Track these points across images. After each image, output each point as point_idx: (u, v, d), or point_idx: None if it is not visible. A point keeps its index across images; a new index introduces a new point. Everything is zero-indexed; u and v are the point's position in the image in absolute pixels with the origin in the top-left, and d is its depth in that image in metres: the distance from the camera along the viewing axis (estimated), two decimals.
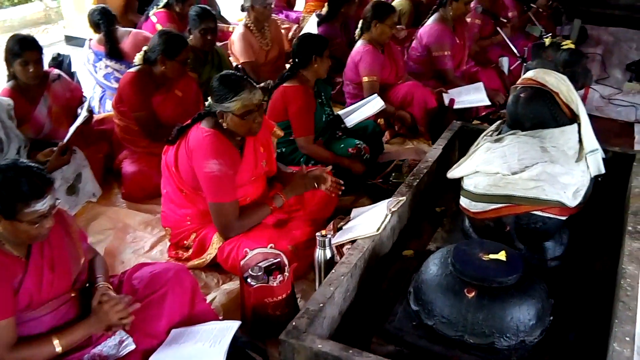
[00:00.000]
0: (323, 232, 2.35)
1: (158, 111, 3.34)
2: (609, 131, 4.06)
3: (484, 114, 4.09)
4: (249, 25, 4.29)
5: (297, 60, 3.30)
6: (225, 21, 5.84)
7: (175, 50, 3.22)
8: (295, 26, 5.84)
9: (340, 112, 3.57)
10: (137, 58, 3.32)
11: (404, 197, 2.65)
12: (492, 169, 2.42)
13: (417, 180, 2.84)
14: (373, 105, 3.42)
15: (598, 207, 2.66)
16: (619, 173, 2.95)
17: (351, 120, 3.41)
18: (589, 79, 2.89)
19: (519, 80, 2.70)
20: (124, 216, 3.18)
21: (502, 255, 2.03)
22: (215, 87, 2.47)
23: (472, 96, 3.85)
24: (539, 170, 2.36)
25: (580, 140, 2.57)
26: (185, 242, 2.73)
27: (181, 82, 3.41)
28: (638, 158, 2.98)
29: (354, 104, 3.94)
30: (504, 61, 4.48)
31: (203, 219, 2.63)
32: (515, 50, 4.25)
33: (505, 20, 4.49)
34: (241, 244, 2.50)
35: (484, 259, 2.03)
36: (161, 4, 4.66)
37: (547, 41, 2.77)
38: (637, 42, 6.14)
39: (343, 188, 2.76)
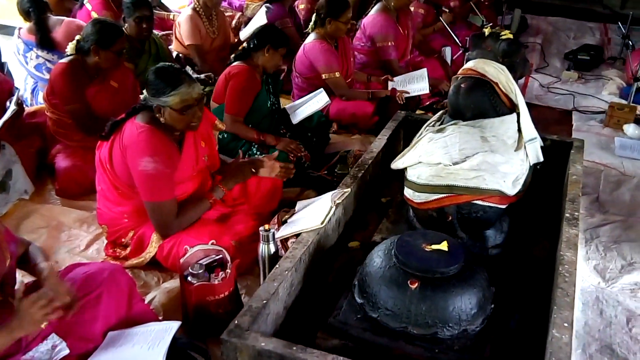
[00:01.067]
0: (266, 226, 2.30)
1: (92, 103, 3.20)
2: (549, 119, 4.16)
3: (427, 103, 4.11)
4: (197, 9, 4.18)
5: (251, 44, 3.23)
6: (165, 8, 5.68)
7: (109, 40, 3.09)
8: (239, 14, 5.73)
9: (287, 106, 3.51)
10: (70, 48, 3.17)
11: (349, 189, 2.62)
12: (434, 159, 2.42)
13: (362, 172, 2.82)
14: (318, 100, 3.38)
15: (537, 194, 2.72)
16: (557, 160, 3.01)
17: (297, 116, 3.36)
18: (527, 68, 2.93)
19: (460, 71, 2.71)
20: (58, 214, 3.04)
21: (444, 246, 2.03)
22: (152, 81, 2.36)
23: (414, 85, 3.85)
24: (480, 159, 2.38)
25: (519, 130, 2.61)
26: (122, 240, 2.63)
27: (117, 73, 3.28)
28: (576, 146, 3.05)
29: (302, 97, 3.91)
30: (447, 51, 4.52)
31: (141, 216, 2.53)
32: (457, 40, 4.29)
33: (447, 10, 4.51)
34: (181, 241, 2.42)
35: (426, 249, 2.03)
36: None
37: (487, 31, 2.79)
38: (575, 32, 6.31)
39: (294, 169, 2.71)
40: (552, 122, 4.10)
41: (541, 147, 2.65)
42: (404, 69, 4.28)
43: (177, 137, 2.50)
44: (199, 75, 3.89)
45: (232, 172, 2.62)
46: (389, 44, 4.15)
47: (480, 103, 2.56)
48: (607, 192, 3.21)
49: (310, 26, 3.86)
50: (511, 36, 2.75)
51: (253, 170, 2.62)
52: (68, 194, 3.19)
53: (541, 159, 2.64)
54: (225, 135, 3.22)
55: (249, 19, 4.76)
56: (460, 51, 4.33)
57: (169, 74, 2.34)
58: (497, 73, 2.58)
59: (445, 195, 2.37)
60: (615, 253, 2.68)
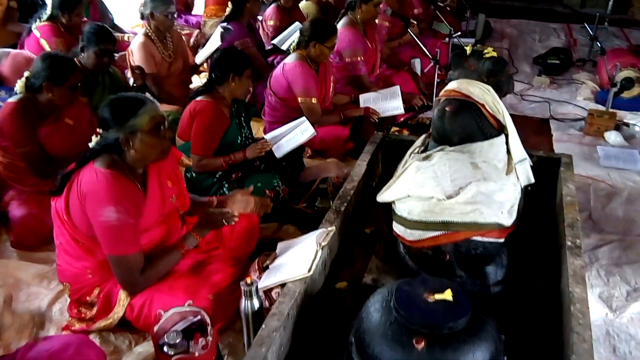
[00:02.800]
0: (248, 279, 2.08)
1: (47, 144, 2.92)
2: (527, 129, 4.03)
3: (402, 119, 3.95)
4: (149, 34, 3.90)
5: (213, 75, 3.01)
6: (119, 29, 5.38)
7: (63, 76, 2.83)
8: (196, 31, 5.49)
9: (267, 137, 3.29)
10: (18, 86, 2.89)
11: (333, 227, 2.43)
12: (425, 192, 2.25)
13: (345, 204, 2.63)
14: (302, 131, 3.17)
15: (529, 217, 2.57)
16: (545, 178, 2.88)
17: (280, 150, 3.14)
18: (512, 86, 2.79)
19: (442, 92, 2.55)
20: (15, 269, 2.75)
21: (448, 295, 1.85)
22: (111, 111, 2.11)
23: (387, 103, 3.68)
24: (474, 191, 2.22)
25: (508, 151, 2.47)
26: (87, 298, 2.37)
27: (71, 109, 3.01)
28: (564, 162, 2.93)
29: (274, 120, 3.69)
30: (416, 62, 4.37)
31: (106, 270, 2.27)
32: (426, 51, 4.15)
33: (414, 22, 4.37)
34: (153, 299, 2.19)
35: (429, 300, 1.84)
36: (45, 17, 4.16)
37: (468, 50, 2.63)
38: (539, 34, 6.27)
39: (271, 205, 2.51)
40: (531, 133, 3.99)
41: (530, 167, 2.53)
42: (375, 83, 4.11)
43: (141, 178, 2.26)
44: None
45: (206, 218, 2.39)
46: (359, 59, 3.98)
47: (467, 127, 2.41)
48: (599, 209, 3.09)
49: (291, 46, 3.64)
50: (495, 54, 2.60)
51: (224, 221, 2.36)
52: (25, 246, 2.91)
53: (532, 180, 2.51)
54: (194, 174, 2.99)
55: (208, 37, 4.51)
56: (431, 63, 4.19)
57: (127, 98, 2.15)
58: (483, 94, 2.44)
59: (441, 232, 2.20)
60: (618, 278, 2.56)
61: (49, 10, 4.15)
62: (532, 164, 2.57)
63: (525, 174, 2.50)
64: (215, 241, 2.55)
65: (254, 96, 4.19)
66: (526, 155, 2.54)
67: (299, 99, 3.56)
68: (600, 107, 4.20)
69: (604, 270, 2.63)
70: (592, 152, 3.70)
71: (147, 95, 3.84)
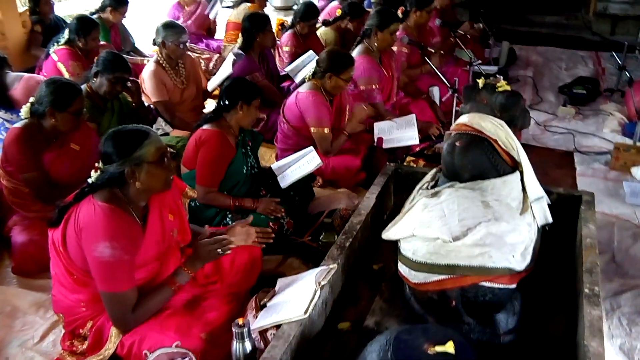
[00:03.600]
0: (240, 320, 1.99)
1: (51, 170, 2.90)
2: (549, 162, 3.89)
3: (418, 149, 3.84)
4: (161, 61, 3.89)
5: (221, 102, 2.95)
6: (140, 53, 5.43)
7: (65, 101, 2.81)
8: (216, 56, 5.50)
9: (274, 166, 3.22)
10: (24, 111, 2.88)
11: (335, 265, 2.31)
12: (431, 233, 2.12)
13: (350, 240, 2.52)
14: (309, 160, 3.08)
15: (546, 258, 2.43)
16: (565, 216, 2.73)
17: (285, 180, 3.06)
18: (528, 120, 2.66)
19: (453, 126, 2.44)
20: (13, 296, 2.71)
21: (450, 347, 1.72)
22: (114, 144, 2.07)
23: (402, 133, 3.57)
24: (484, 232, 2.09)
25: (523, 189, 2.34)
26: (81, 330, 2.29)
27: (77, 135, 2.98)
28: (585, 200, 2.77)
29: (286, 147, 3.62)
30: (435, 91, 4.26)
31: (100, 304, 2.20)
32: (444, 79, 4.04)
33: (432, 51, 4.26)
34: (144, 337, 2.10)
35: (429, 352, 1.71)
36: (62, 40, 4.21)
37: (481, 83, 2.52)
38: (566, 62, 6.10)
39: (273, 235, 2.41)
40: (553, 166, 3.83)
41: (548, 205, 2.38)
42: (391, 112, 4.01)
43: (141, 212, 2.20)
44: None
45: (199, 252, 2.29)
46: (374, 87, 3.89)
47: (478, 163, 2.30)
48: (622, 250, 2.91)
49: (307, 76, 3.57)
50: (508, 87, 2.48)
51: (219, 251, 2.27)
52: (25, 272, 2.87)
53: (550, 219, 2.37)
54: (198, 203, 2.92)
55: None
56: (450, 92, 4.07)
57: (130, 130, 2.11)
58: (496, 129, 2.33)
59: (446, 276, 2.07)
60: None
61: (66, 35, 4.19)
62: (549, 202, 2.44)
63: (542, 213, 2.36)
64: (215, 274, 2.46)
65: (267, 123, 4.12)
66: (543, 194, 2.40)
67: (312, 129, 3.49)
68: (628, 141, 4.02)
69: (627, 319, 2.46)
70: (617, 188, 3.52)
71: (160, 121, 3.86)
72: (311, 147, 3.23)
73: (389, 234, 2.35)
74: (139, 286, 2.17)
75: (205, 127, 2.95)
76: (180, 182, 2.51)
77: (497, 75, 4.41)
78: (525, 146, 4.00)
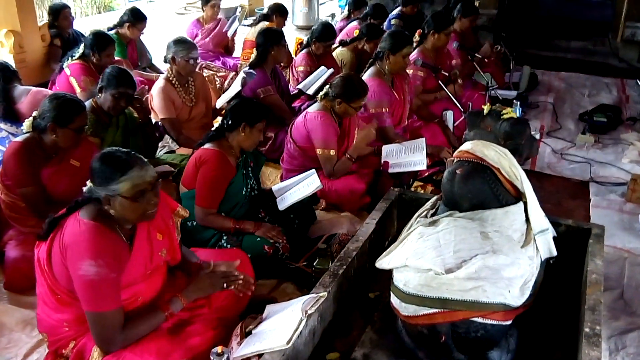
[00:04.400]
0: (219, 349, 1.91)
1: (49, 185, 2.87)
2: (563, 192, 3.75)
3: (426, 174, 3.73)
4: (170, 78, 3.88)
5: (225, 122, 2.91)
6: (156, 70, 5.46)
7: (67, 117, 2.79)
8: (232, 74, 5.49)
9: (274, 188, 3.15)
10: (26, 125, 2.87)
11: (325, 293, 2.23)
12: (423, 264, 2.03)
13: (344, 267, 2.44)
14: (309, 183, 3.01)
15: (550, 293, 2.31)
16: (573, 250, 2.61)
17: (284, 202, 2.99)
18: (536, 149, 2.55)
19: (455, 153, 2.35)
20: (1, 313, 2.67)
21: None
22: (97, 169, 2.05)
23: (410, 157, 3.48)
24: (479, 265, 1.99)
25: (527, 220, 2.24)
26: (63, 351, 2.24)
27: (78, 150, 2.95)
28: (595, 233, 2.65)
29: (292, 168, 3.56)
30: (448, 115, 4.16)
31: (83, 324, 2.15)
32: (457, 104, 3.95)
33: (447, 74, 4.18)
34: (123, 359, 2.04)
35: None
36: (76, 55, 4.23)
37: (486, 109, 2.42)
38: (589, 88, 5.93)
39: (253, 288, 2.34)
40: (567, 196, 3.69)
41: (554, 237, 2.27)
42: (401, 136, 3.92)
43: (129, 231, 2.16)
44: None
45: (199, 284, 2.26)
46: (383, 110, 3.81)
47: (479, 192, 2.21)
48: (632, 287, 2.76)
49: (319, 95, 3.52)
50: (514, 115, 2.39)
51: (225, 285, 2.25)
52: (16, 288, 2.83)
53: (554, 253, 2.26)
54: (195, 223, 2.86)
55: None
56: (463, 116, 3.98)
57: (117, 158, 2.04)
58: (499, 157, 2.23)
59: (437, 310, 1.97)
60: None
61: (81, 49, 4.21)
62: (555, 235, 2.32)
63: (546, 246, 2.26)
64: (203, 298, 2.39)
65: (274, 143, 4.07)
66: (548, 226, 2.29)
67: (317, 150, 3.42)
68: None
69: None
70: (632, 221, 3.35)
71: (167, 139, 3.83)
72: (313, 170, 3.15)
73: (382, 262, 2.26)
74: (127, 307, 2.12)
75: (206, 146, 2.90)
76: (171, 201, 2.46)
77: (515, 101, 4.35)
78: (540, 175, 3.94)
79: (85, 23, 6.81)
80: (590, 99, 5.62)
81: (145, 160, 2.11)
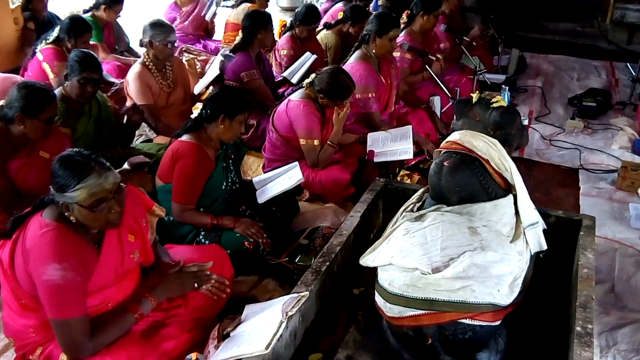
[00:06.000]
0: (193, 355, 1.82)
1: (17, 178, 2.73)
2: (552, 179, 3.66)
3: (413, 162, 3.63)
4: (147, 63, 3.72)
5: (203, 112, 2.77)
6: (134, 54, 5.28)
7: (37, 107, 2.64)
8: (213, 58, 5.30)
9: (255, 180, 3.03)
10: None
11: (306, 292, 2.13)
12: (409, 262, 1.94)
13: (327, 263, 2.34)
14: (291, 176, 2.89)
15: (540, 287, 2.23)
16: (564, 242, 2.53)
17: (263, 195, 2.87)
18: (525, 138, 2.45)
19: (443, 144, 2.25)
20: None
21: None
22: (54, 173, 1.91)
23: (396, 145, 3.36)
24: (467, 263, 1.90)
25: (517, 213, 2.15)
26: (30, 356, 2.13)
27: (48, 142, 2.80)
28: (585, 225, 2.56)
29: (274, 157, 3.44)
30: (436, 100, 4.05)
31: (50, 330, 2.02)
32: (445, 89, 3.83)
33: (434, 58, 4.05)
34: None
35: None
36: (50, 39, 4.05)
37: (475, 97, 2.31)
38: (578, 72, 5.83)
39: (228, 290, 2.23)
40: (556, 184, 3.60)
41: (543, 230, 2.19)
42: (387, 123, 3.81)
43: (95, 234, 2.03)
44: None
45: (169, 284, 2.15)
46: (370, 95, 3.69)
47: (467, 185, 2.12)
48: (623, 280, 2.69)
49: (305, 82, 3.38)
50: (504, 103, 2.27)
51: (196, 285, 2.14)
52: None
53: (544, 247, 2.19)
54: (172, 218, 2.74)
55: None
56: (451, 102, 3.87)
57: (74, 163, 1.88)
58: (488, 148, 2.14)
59: (423, 312, 1.88)
60: None
61: (55, 33, 4.03)
62: (545, 227, 2.24)
63: (536, 240, 2.18)
64: (179, 298, 2.27)
65: (256, 130, 3.94)
66: (538, 219, 2.21)
67: (301, 140, 3.30)
68: (637, 159, 3.78)
69: (622, 358, 2.24)
70: (623, 210, 3.28)
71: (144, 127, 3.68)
72: (296, 162, 3.04)
73: (366, 259, 2.16)
74: (98, 314, 2.02)
75: (183, 138, 2.76)
76: (146, 199, 2.33)
77: (503, 86, 4.25)
78: (529, 162, 3.85)
79: (61, 5, 6.57)
80: (579, 82, 5.53)
81: (107, 165, 1.95)
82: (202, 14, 5.77)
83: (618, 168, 3.61)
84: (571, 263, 2.51)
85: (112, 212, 1.93)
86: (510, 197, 2.14)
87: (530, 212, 2.18)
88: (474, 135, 2.18)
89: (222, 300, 2.37)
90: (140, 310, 2.06)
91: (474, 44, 4.85)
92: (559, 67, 5.96)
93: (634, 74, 4.57)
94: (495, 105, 2.27)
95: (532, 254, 2.15)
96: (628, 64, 4.70)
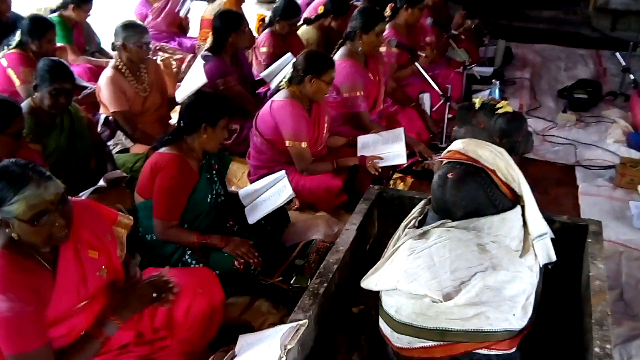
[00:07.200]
0: None
1: None
2: (548, 178, 3.54)
3: (405, 165, 3.47)
4: (119, 67, 3.50)
5: (182, 123, 2.58)
6: (106, 55, 5.01)
7: (2, 122, 2.44)
8: (190, 56, 5.12)
9: (242, 194, 2.85)
10: None
11: (305, 321, 1.97)
12: (417, 288, 1.79)
13: (325, 285, 2.18)
14: (280, 191, 2.72)
15: (547, 302, 2.09)
16: (568, 249, 2.40)
17: (254, 215, 2.70)
18: (531, 144, 2.32)
19: (445, 153, 2.10)
20: None
21: None
22: None
23: (388, 148, 3.21)
24: (479, 287, 1.77)
25: (524, 224, 2.02)
26: None
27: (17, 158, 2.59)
28: (592, 231, 2.44)
29: (260, 164, 3.26)
30: (425, 98, 3.90)
31: None
32: (436, 87, 3.68)
33: (423, 54, 3.90)
34: None
35: None
36: (13, 44, 3.79)
37: (477, 102, 2.16)
38: (565, 61, 5.72)
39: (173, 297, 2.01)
40: (553, 183, 3.48)
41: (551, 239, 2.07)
42: (377, 123, 3.65)
43: (49, 256, 1.82)
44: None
45: (126, 297, 1.94)
46: (358, 94, 3.52)
47: (474, 198, 1.98)
48: (632, 286, 2.57)
49: (283, 82, 3.21)
50: (510, 109, 2.13)
51: (154, 294, 1.94)
52: None
53: (553, 258, 2.07)
54: (154, 237, 2.56)
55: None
56: (442, 100, 3.72)
57: (9, 174, 1.70)
58: (494, 157, 2.01)
59: (435, 343, 1.73)
60: None
61: (17, 37, 3.77)
62: (553, 237, 2.11)
63: (545, 251, 2.07)
64: (164, 329, 2.09)
65: (239, 135, 3.75)
66: (547, 229, 2.08)
67: (287, 142, 3.11)
68: (634, 153, 3.67)
69: None
70: (624, 209, 3.16)
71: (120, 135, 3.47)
72: (283, 173, 2.86)
73: (368, 282, 2.01)
74: (65, 343, 1.83)
75: (162, 150, 2.57)
76: (106, 210, 2.12)
77: (494, 80, 4.11)
78: (524, 159, 3.66)
79: (26, 5, 6.25)
80: (567, 72, 5.42)
81: (47, 174, 1.76)
82: (175, 10, 5.51)
83: (615, 164, 3.50)
84: (578, 271, 2.39)
85: (55, 225, 1.74)
86: (518, 208, 2.02)
87: (538, 223, 2.06)
88: (478, 143, 2.04)
89: (212, 328, 2.20)
90: (105, 333, 1.87)
91: (462, 37, 4.69)
92: (545, 57, 5.85)
93: (623, 63, 4.46)
94: (500, 111, 2.12)
95: (541, 266, 2.03)
96: (617, 53, 4.59)
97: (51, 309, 1.77)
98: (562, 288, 2.32)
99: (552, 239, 2.08)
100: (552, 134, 4.12)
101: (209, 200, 2.63)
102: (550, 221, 2.35)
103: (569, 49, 6.09)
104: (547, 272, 2.09)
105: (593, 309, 2.01)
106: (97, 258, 1.94)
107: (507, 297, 1.80)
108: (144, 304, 1.96)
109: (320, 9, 4.83)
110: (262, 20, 5.19)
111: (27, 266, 1.75)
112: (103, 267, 1.94)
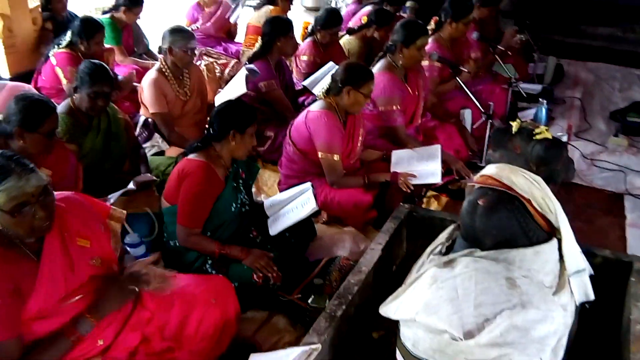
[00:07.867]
0: None
1: None
2: (594, 206, 3.36)
3: (441, 184, 3.36)
4: (163, 70, 3.56)
5: (211, 130, 2.57)
6: (153, 57, 5.10)
7: (36, 121, 2.49)
8: (233, 61, 5.12)
9: (266, 204, 2.82)
10: None
11: (318, 345, 1.89)
12: (436, 323, 1.68)
13: (344, 307, 2.09)
14: (303, 202, 2.68)
15: (582, 343, 1.95)
16: (609, 287, 2.24)
17: (276, 226, 2.67)
18: (572, 172, 2.19)
19: (476, 177, 1.98)
20: None
21: None
22: None
23: (423, 166, 3.10)
24: (505, 326, 1.64)
25: (560, 258, 1.88)
26: None
27: (51, 157, 2.63)
28: (636, 269, 2.28)
29: (291, 174, 3.21)
30: (466, 114, 3.78)
31: None
32: (477, 104, 3.55)
33: (466, 70, 3.77)
34: None
35: None
36: (63, 43, 3.90)
37: (515, 126, 2.05)
38: (620, 82, 5.47)
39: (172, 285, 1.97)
40: (599, 212, 3.30)
41: (590, 276, 1.92)
42: (413, 138, 3.54)
43: (34, 245, 1.82)
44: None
45: (105, 292, 1.90)
46: (394, 107, 3.43)
47: (505, 227, 1.85)
48: None
49: (320, 92, 3.17)
50: (549, 135, 2.01)
51: (137, 289, 1.91)
52: None
53: (591, 296, 1.92)
54: (177, 244, 2.54)
55: None
56: (483, 117, 3.59)
57: None
58: (530, 186, 1.88)
59: None
60: None
61: (68, 37, 3.88)
62: (592, 273, 1.97)
63: (582, 288, 1.92)
64: (171, 340, 2.05)
65: (274, 143, 3.71)
66: (585, 265, 1.94)
67: (319, 154, 3.06)
68: None
69: None
70: None
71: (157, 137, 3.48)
72: (309, 185, 2.80)
73: (387, 309, 1.91)
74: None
75: (191, 156, 2.57)
76: (97, 203, 2.13)
77: (540, 99, 3.93)
78: (569, 184, 3.53)
79: (81, 4, 6.42)
80: (621, 94, 5.18)
81: (31, 166, 1.79)
82: (226, 17, 5.58)
83: None
84: (619, 313, 2.23)
85: (36, 216, 1.75)
86: (555, 241, 1.88)
87: (576, 258, 1.91)
88: (513, 170, 1.92)
89: (224, 342, 2.15)
90: (78, 332, 1.84)
91: (509, 53, 4.53)
92: (598, 76, 5.61)
93: None
94: (539, 137, 2.00)
95: (577, 305, 1.89)
96: None
97: (35, 299, 1.78)
98: (599, 330, 2.16)
99: (591, 276, 1.94)
100: (602, 158, 3.93)
101: (233, 209, 2.61)
102: (591, 255, 2.21)
103: (625, 68, 5.84)
104: (583, 312, 1.95)
105: (632, 356, 1.87)
106: (89, 247, 1.93)
107: (536, 339, 1.68)
108: (123, 300, 1.93)
109: (364, 20, 4.77)
110: (307, 28, 5.17)
111: (9, 256, 1.76)
112: (96, 256, 1.94)
